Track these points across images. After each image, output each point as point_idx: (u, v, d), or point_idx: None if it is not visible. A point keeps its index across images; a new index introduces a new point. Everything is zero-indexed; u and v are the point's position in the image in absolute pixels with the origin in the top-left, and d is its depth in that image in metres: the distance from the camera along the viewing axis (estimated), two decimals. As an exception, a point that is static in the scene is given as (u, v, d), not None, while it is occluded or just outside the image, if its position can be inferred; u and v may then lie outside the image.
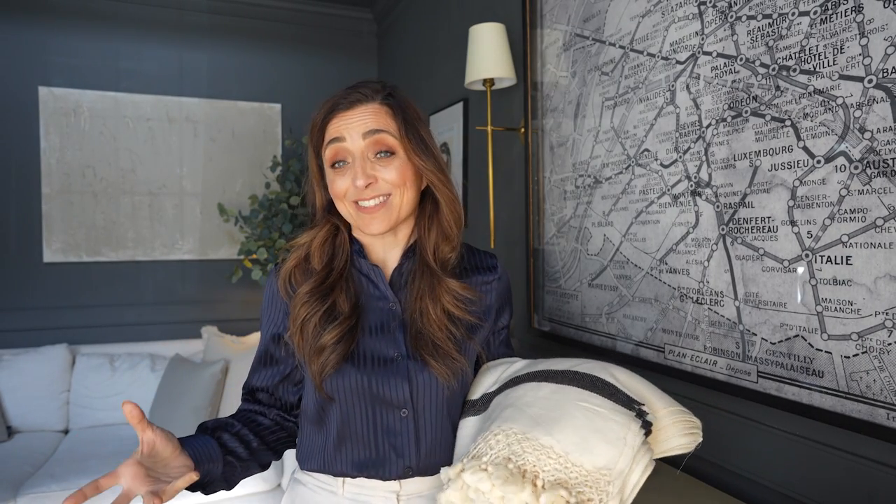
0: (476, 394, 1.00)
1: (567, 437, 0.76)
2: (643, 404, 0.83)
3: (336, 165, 0.93)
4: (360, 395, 0.93)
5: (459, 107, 2.69)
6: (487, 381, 1.00)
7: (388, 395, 0.93)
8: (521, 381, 0.91)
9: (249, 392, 1.05)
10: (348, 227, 1.01)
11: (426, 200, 1.00)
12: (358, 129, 0.91)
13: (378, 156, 0.92)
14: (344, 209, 0.95)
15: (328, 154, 0.93)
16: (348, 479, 0.96)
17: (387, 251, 1.01)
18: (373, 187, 0.91)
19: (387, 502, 0.95)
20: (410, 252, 1.01)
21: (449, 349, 0.94)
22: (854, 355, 1.01)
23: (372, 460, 0.94)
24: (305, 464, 1.00)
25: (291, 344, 0.96)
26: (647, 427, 0.80)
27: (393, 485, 0.95)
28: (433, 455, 0.96)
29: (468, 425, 0.96)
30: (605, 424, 0.77)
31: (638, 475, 0.76)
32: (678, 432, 0.83)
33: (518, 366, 0.99)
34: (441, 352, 0.93)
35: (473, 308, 1.00)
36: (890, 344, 0.96)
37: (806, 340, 1.10)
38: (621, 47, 1.58)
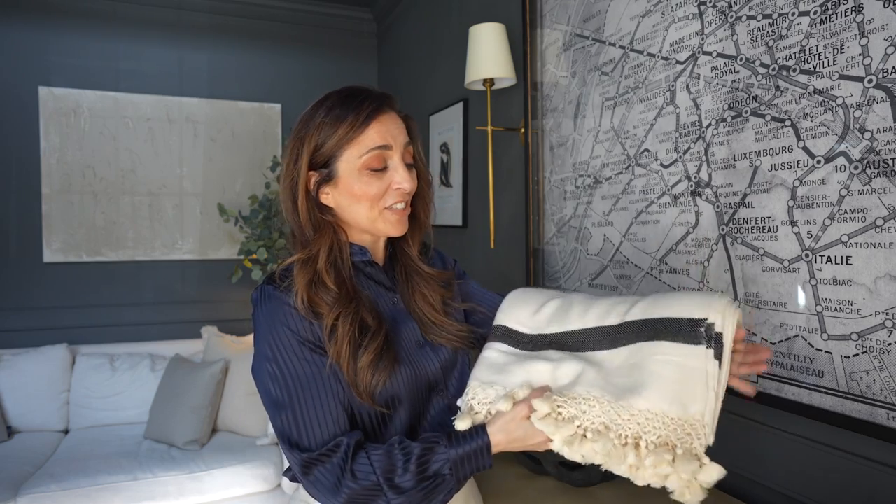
0: (509, 321, 1.01)
1: (659, 396, 0.80)
2: (704, 318, 0.83)
3: (375, 170, 0.94)
4: (417, 386, 0.95)
5: (459, 107, 2.69)
6: (522, 313, 1.01)
7: (425, 379, 0.97)
8: (584, 347, 0.92)
9: (336, 423, 0.88)
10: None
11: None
12: (401, 138, 0.96)
13: (406, 164, 0.98)
14: (369, 214, 0.96)
15: (370, 158, 0.93)
16: None
17: (377, 252, 1.05)
18: (409, 192, 0.97)
19: None
20: (390, 253, 1.08)
21: (451, 325, 1.03)
22: (854, 355, 1.01)
23: None
24: None
25: (337, 368, 0.90)
26: (719, 345, 0.82)
27: None
28: None
29: (500, 350, 0.97)
30: (686, 374, 0.81)
31: (721, 400, 0.81)
32: (732, 321, 0.85)
33: (553, 308, 1.00)
34: (446, 330, 1.02)
35: (450, 291, 1.10)
36: (890, 344, 0.96)
37: (806, 340, 1.10)
38: (621, 47, 1.58)
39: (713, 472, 0.77)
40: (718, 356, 0.81)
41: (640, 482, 0.79)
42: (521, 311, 1.02)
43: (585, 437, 0.81)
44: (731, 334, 0.82)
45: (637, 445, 0.79)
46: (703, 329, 0.82)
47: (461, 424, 0.88)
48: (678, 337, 0.83)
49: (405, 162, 0.97)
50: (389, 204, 0.96)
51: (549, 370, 0.91)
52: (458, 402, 0.95)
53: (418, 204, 1.05)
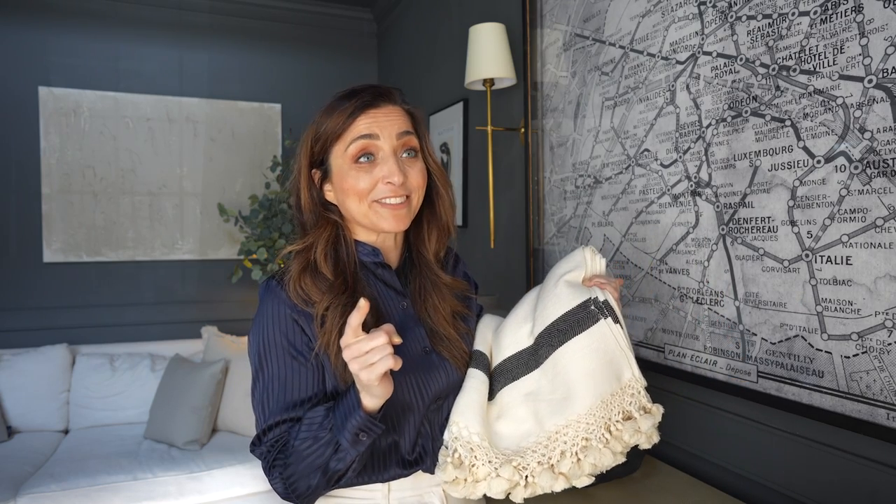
0: (483, 348, 1.02)
1: (595, 385, 0.88)
2: (588, 297, 0.92)
3: (361, 160, 0.92)
4: (412, 393, 0.93)
5: (459, 107, 2.69)
6: (488, 336, 1.04)
7: (433, 387, 0.95)
8: (517, 375, 0.96)
9: (285, 411, 0.89)
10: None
11: (423, 204, 1.03)
12: (391, 128, 0.93)
13: (405, 155, 0.95)
14: (358, 208, 0.94)
15: (354, 149, 0.92)
16: (396, 483, 0.95)
17: (388, 254, 1.03)
18: (403, 185, 0.93)
19: (436, 497, 0.96)
20: (406, 255, 1.05)
21: (459, 342, 1.00)
22: (854, 355, 1.01)
23: (428, 454, 0.96)
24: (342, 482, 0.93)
25: (322, 356, 0.91)
26: (610, 309, 0.91)
27: (436, 478, 0.96)
28: None
29: (479, 380, 0.98)
30: (606, 353, 0.90)
31: (629, 341, 0.93)
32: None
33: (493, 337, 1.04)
34: (454, 346, 0.99)
35: (467, 302, 1.07)
36: (890, 344, 0.96)
37: (806, 340, 1.10)
38: (621, 47, 1.58)
39: (661, 411, 0.89)
40: (616, 319, 0.91)
41: (622, 457, 0.88)
42: (489, 335, 1.04)
43: (579, 460, 0.86)
44: (615, 297, 0.93)
45: (611, 432, 0.87)
46: (593, 307, 0.91)
47: (445, 476, 0.90)
48: (582, 326, 0.91)
49: (401, 152, 0.94)
50: (379, 198, 0.92)
51: (512, 426, 0.94)
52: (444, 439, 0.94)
53: (436, 200, 1.02)
